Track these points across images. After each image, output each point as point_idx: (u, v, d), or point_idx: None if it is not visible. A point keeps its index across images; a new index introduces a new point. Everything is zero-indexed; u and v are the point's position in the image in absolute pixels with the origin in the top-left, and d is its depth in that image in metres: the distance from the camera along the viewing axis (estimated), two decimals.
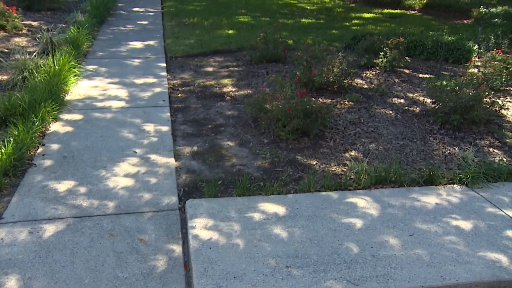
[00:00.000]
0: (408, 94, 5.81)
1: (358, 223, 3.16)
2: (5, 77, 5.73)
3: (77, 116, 4.86)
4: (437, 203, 3.46)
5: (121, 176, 3.71)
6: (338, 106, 5.31)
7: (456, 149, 4.43)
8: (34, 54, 6.16)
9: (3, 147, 3.71)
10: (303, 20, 11.04)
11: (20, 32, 8.28)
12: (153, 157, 4.05)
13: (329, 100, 5.44)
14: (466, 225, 3.20)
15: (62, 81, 5.39)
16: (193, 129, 4.71)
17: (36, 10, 10.22)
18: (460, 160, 4.18)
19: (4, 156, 3.62)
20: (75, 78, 5.88)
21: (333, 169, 3.97)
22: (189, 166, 3.98)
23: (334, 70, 5.62)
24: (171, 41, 8.28)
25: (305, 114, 4.42)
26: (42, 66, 5.67)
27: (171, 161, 3.99)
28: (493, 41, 8.05)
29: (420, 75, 6.62)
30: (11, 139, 3.85)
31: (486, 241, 3.03)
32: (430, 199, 3.52)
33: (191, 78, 6.34)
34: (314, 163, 4.07)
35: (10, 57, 6.07)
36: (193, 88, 5.95)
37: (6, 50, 7.03)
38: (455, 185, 3.76)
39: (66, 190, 3.49)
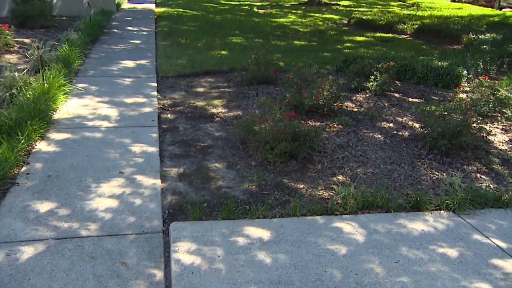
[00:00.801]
0: (397, 118, 5.83)
1: (343, 249, 3.13)
2: None
3: (64, 135, 4.82)
4: (423, 230, 3.43)
5: (105, 197, 3.66)
6: (327, 129, 5.31)
7: (444, 174, 4.43)
8: (24, 71, 6.14)
9: None
10: (295, 42, 11.15)
11: (11, 49, 8.28)
12: (139, 178, 4.01)
13: (318, 123, 5.45)
14: (452, 252, 3.17)
15: (50, 99, 5.36)
16: (181, 150, 4.68)
17: (30, 28, 10.26)
18: (448, 185, 4.17)
19: None
20: (65, 96, 5.85)
21: (320, 193, 3.94)
22: (175, 187, 3.94)
23: (324, 93, 5.64)
24: (163, 60, 8.30)
25: (293, 137, 4.41)
26: (31, 83, 5.64)
27: (157, 182, 3.95)
28: (482, 67, 8.14)
29: (410, 99, 6.66)
30: None
31: (472, 269, 3.00)
32: (416, 225, 3.50)
33: (182, 99, 6.33)
34: (301, 186, 4.04)
35: None
36: (183, 108, 5.94)
37: None
38: (442, 211, 3.74)
39: (48, 210, 3.43)
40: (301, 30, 13.19)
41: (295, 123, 4.55)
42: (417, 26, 13.22)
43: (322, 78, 6.11)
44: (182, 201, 3.73)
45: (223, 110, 5.90)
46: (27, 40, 8.90)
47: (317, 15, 16.92)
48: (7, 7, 10.95)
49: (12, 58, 7.70)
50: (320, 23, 14.92)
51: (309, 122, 5.47)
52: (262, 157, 4.49)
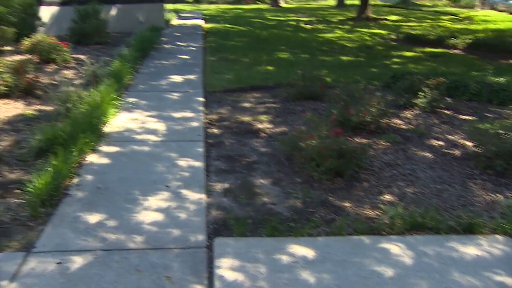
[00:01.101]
0: (448, 136, 5.64)
1: (390, 271, 3.02)
2: (50, 108, 5.97)
3: (113, 148, 4.97)
4: (477, 255, 3.27)
5: (151, 210, 3.73)
6: (374, 146, 5.20)
7: (500, 196, 4.22)
8: (79, 86, 6.40)
9: (41, 177, 3.80)
10: (342, 57, 11.07)
11: (68, 65, 8.67)
12: (184, 192, 4.05)
13: (365, 140, 5.35)
14: (510, 281, 2.99)
15: (102, 113, 5.55)
16: (226, 165, 4.70)
17: (85, 44, 10.74)
18: (504, 208, 3.97)
19: (42, 186, 3.71)
20: (115, 110, 6.05)
21: (366, 212, 3.85)
22: (219, 202, 3.95)
23: (372, 109, 5.54)
24: (211, 75, 8.44)
25: (340, 154, 4.35)
26: (84, 97, 5.87)
27: (202, 197, 3.99)
28: None
29: (462, 117, 6.43)
30: (50, 169, 3.95)
31: None
32: (469, 249, 3.34)
33: (228, 113, 6.40)
34: (347, 205, 3.96)
35: (57, 89, 6.32)
36: (229, 123, 5.99)
37: (54, 82, 7.34)
38: (498, 236, 3.55)
39: (97, 221, 3.53)
40: (348, 45, 13.09)
41: (341, 140, 4.49)
42: (469, 40, 12.82)
43: (369, 94, 6.01)
44: (226, 216, 3.73)
45: (269, 126, 5.91)
46: (82, 56, 9.29)
47: (365, 30, 16.75)
48: (67, 26, 11.49)
49: (69, 73, 8.06)
50: (367, 38, 14.76)
51: (356, 139, 5.38)
52: (308, 174, 4.44)
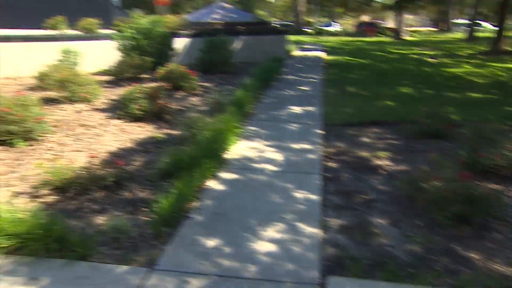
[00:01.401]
0: None
1: None
2: (177, 132, 6.38)
3: (232, 175, 5.12)
4: None
5: (266, 240, 3.74)
6: (508, 194, 4.72)
7: None
8: (204, 112, 6.78)
9: (166, 198, 4.04)
10: (471, 94, 10.36)
11: (195, 92, 9.25)
12: (299, 225, 4.02)
13: (497, 186, 4.88)
14: None
15: (224, 140, 5.78)
16: (343, 201, 4.59)
17: (211, 73, 11.40)
18: None
19: (166, 207, 3.94)
20: (236, 138, 6.26)
21: (498, 268, 3.46)
22: (335, 239, 3.85)
23: (507, 152, 5.06)
24: (330, 108, 8.41)
25: (467, 199, 4.00)
26: (209, 124, 6.18)
27: (317, 232, 3.91)
28: None
29: None
30: (174, 191, 4.18)
31: None
32: None
33: (347, 148, 6.28)
34: (475, 257, 3.61)
35: (184, 115, 6.76)
36: (348, 158, 5.87)
37: (182, 108, 7.86)
38: None
39: (213, 246, 3.63)
40: (478, 81, 12.25)
41: (470, 184, 4.14)
42: None
43: (503, 136, 5.51)
44: (341, 254, 3.61)
45: (389, 163, 5.67)
46: (208, 84, 9.87)
47: (497, 64, 15.58)
48: (195, 55, 12.32)
49: (195, 100, 8.58)
50: (501, 73, 13.69)
51: (486, 184, 4.93)
52: (430, 217, 4.15)
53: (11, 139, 5.77)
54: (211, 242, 3.69)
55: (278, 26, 36.52)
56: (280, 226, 3.99)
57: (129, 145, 6.05)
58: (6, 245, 3.44)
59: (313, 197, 4.60)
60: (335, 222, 4.15)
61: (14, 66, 10.68)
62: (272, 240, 3.75)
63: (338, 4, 54.86)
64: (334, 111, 8.22)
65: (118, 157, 5.46)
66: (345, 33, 35.47)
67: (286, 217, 4.16)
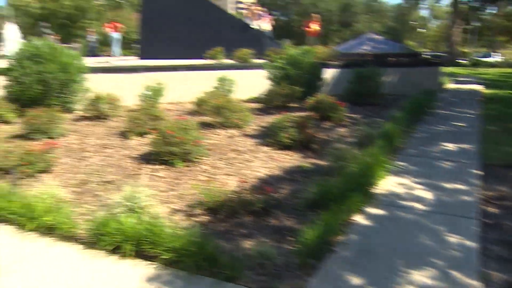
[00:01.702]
0: None
1: None
2: (324, 163, 6.39)
3: (378, 211, 4.94)
4: None
5: (414, 286, 3.51)
6: None
7: None
8: (351, 144, 6.69)
9: (312, 230, 4.04)
10: None
11: (343, 123, 9.21)
12: (453, 273, 3.69)
13: None
14: None
15: (372, 174, 5.62)
16: (507, 253, 4.11)
17: (358, 104, 11.25)
18: None
19: (313, 238, 3.93)
20: (384, 172, 6.05)
21: None
22: None
23: None
24: (489, 147, 7.70)
25: None
26: (356, 156, 6.07)
27: (476, 284, 3.55)
28: None
29: None
30: (321, 223, 4.16)
31: None
32: None
33: (509, 192, 5.66)
34: None
35: (331, 145, 6.76)
36: (511, 203, 5.28)
37: (329, 139, 7.88)
38: None
39: (358, 285, 3.51)
40: None
41: None
42: None
43: None
44: None
45: None
46: (355, 116, 9.76)
47: None
48: (342, 86, 12.32)
49: (342, 131, 8.54)
50: None
51: None
52: None
53: (172, 159, 6.34)
54: (356, 280, 3.58)
55: (429, 57, 34.95)
56: (432, 271, 3.71)
57: (276, 172, 6.22)
58: (167, 257, 3.74)
59: (470, 243, 4.21)
60: (498, 276, 3.73)
61: (178, 92, 11.81)
62: (423, 287, 3.49)
63: (500, 32, 50.46)
64: (494, 150, 7.50)
65: (266, 183, 5.64)
66: (507, 64, 32.37)
67: (438, 262, 3.86)
